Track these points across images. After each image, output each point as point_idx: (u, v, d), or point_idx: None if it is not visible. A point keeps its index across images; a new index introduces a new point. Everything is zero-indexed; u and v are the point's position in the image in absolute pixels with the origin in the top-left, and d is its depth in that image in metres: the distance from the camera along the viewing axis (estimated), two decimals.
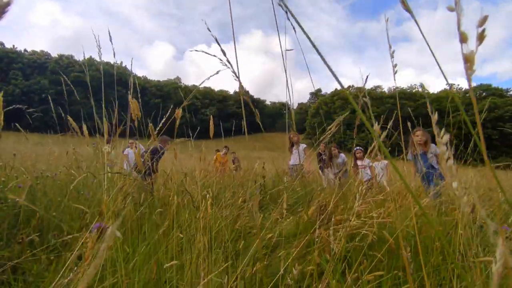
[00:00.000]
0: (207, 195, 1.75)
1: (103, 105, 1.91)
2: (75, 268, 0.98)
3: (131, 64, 2.09)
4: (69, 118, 1.89)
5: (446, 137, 0.35)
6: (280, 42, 0.92)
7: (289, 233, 2.23)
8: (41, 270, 1.35)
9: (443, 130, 0.37)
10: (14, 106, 1.99)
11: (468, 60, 0.31)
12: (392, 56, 0.80)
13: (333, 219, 1.37)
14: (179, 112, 1.32)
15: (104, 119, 1.77)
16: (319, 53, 0.42)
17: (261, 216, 2.59)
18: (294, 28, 0.79)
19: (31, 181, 2.05)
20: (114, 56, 1.98)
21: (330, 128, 1.50)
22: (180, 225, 1.52)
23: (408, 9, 0.40)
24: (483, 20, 0.30)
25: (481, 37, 0.31)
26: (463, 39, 0.31)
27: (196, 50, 1.25)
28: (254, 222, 2.48)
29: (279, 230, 1.82)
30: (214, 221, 1.66)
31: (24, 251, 1.43)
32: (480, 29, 0.30)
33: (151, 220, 1.59)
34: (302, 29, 0.44)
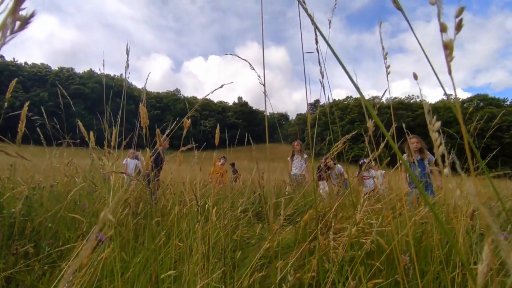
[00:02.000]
0: (206, 205, 1.74)
1: (118, 114, 1.93)
2: (70, 278, 0.97)
3: (145, 84, 2.11)
4: (80, 124, 1.89)
5: (438, 124, 0.37)
6: (302, 41, 0.93)
7: (287, 243, 2.21)
8: (35, 280, 1.33)
9: (435, 118, 0.39)
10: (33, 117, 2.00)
11: (448, 48, 0.33)
12: (387, 69, 0.81)
13: (332, 227, 1.36)
14: (187, 122, 1.34)
15: (114, 128, 1.78)
16: (340, 62, 0.43)
17: (259, 226, 2.57)
18: (302, 36, 0.80)
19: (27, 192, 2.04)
20: (127, 67, 1.99)
21: (337, 145, 1.50)
22: (178, 234, 1.50)
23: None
24: (460, 11, 0.32)
25: (458, 27, 0.33)
26: (443, 29, 0.33)
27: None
28: (252, 232, 2.46)
29: (277, 240, 1.80)
30: (213, 231, 1.65)
31: (18, 262, 1.40)
32: (457, 19, 0.32)
33: (149, 229, 1.58)
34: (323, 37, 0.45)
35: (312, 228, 2.06)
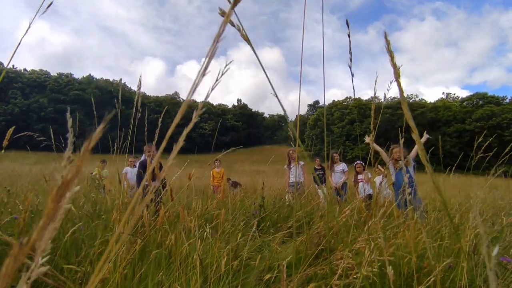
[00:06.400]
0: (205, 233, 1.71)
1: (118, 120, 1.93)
2: None
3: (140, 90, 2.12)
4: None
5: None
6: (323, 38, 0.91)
7: (289, 262, 2.18)
8: None
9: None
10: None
11: None
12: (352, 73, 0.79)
13: (332, 256, 1.34)
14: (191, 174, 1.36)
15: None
16: None
17: (260, 241, 2.54)
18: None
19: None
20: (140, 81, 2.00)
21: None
22: (177, 263, 1.48)
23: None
24: None
25: None
26: None
27: None
28: (253, 250, 2.43)
29: (277, 262, 1.78)
30: (212, 256, 1.62)
31: None
32: None
33: (147, 260, 1.56)
34: None
35: (313, 250, 2.03)
